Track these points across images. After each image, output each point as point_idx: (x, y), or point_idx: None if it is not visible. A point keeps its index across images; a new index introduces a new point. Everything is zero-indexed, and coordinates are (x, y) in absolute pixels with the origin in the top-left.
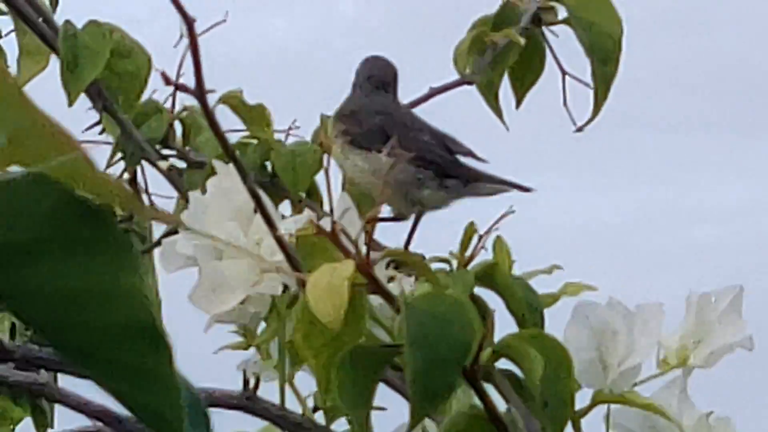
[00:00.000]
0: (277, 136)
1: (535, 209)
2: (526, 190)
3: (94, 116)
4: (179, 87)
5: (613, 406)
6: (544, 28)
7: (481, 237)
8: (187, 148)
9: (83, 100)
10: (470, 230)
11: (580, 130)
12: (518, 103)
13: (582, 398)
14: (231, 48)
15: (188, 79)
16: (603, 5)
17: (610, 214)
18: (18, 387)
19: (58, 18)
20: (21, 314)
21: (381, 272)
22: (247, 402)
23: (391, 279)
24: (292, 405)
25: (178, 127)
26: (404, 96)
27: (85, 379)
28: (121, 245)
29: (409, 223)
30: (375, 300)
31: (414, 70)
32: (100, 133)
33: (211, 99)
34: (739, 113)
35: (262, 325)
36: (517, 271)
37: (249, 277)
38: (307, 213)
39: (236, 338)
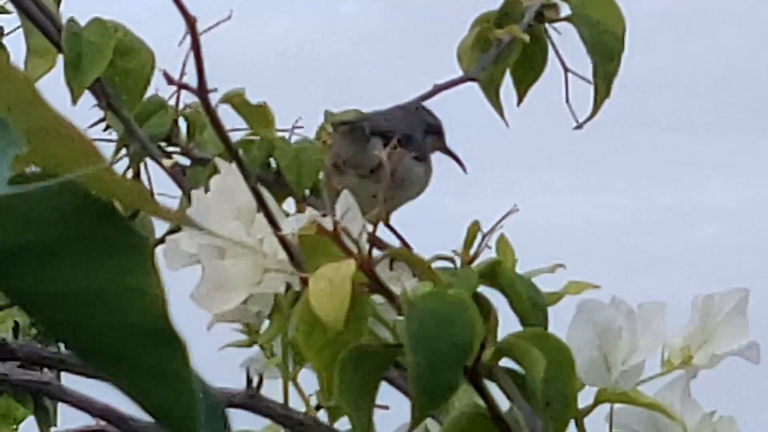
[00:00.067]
0: (278, 134)
1: (537, 208)
2: None
3: (98, 113)
4: (182, 86)
5: (616, 405)
6: (546, 25)
7: (484, 235)
8: (190, 145)
9: (88, 98)
10: (474, 229)
11: (580, 127)
12: (520, 100)
13: (585, 397)
14: (233, 47)
15: (191, 79)
16: (606, 3)
17: (611, 214)
18: (21, 386)
19: (61, 17)
20: (37, 315)
21: (383, 272)
22: (250, 400)
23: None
24: (296, 403)
25: (182, 125)
26: (407, 94)
27: (88, 378)
28: (137, 245)
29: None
30: (377, 299)
31: (414, 70)
32: (104, 130)
33: (214, 98)
34: (739, 113)
35: (266, 323)
36: (519, 269)
37: (251, 276)
38: (310, 212)
39: (239, 337)
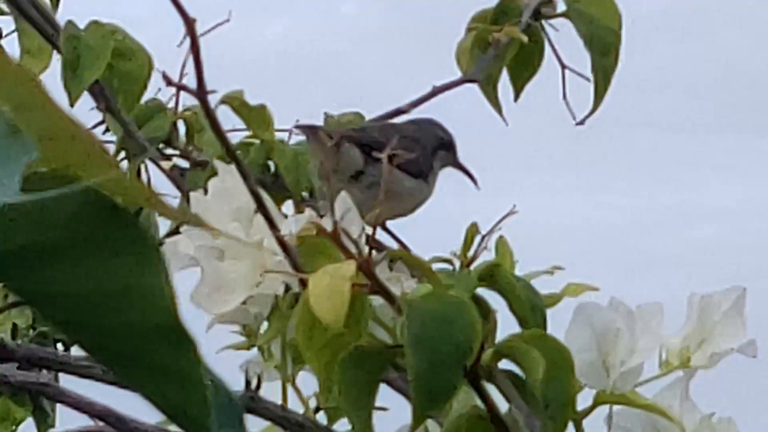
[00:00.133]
0: (278, 136)
1: (536, 208)
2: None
3: (97, 116)
4: (181, 87)
5: (615, 406)
6: (543, 21)
7: (483, 237)
8: (190, 147)
9: (87, 100)
10: (472, 231)
11: (581, 123)
12: (516, 96)
13: (584, 399)
14: (233, 48)
15: (190, 80)
16: None
17: (611, 214)
18: (20, 387)
19: (59, 18)
20: (47, 315)
21: (382, 272)
22: (249, 402)
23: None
24: (295, 405)
25: (181, 127)
26: (407, 94)
27: (87, 379)
28: (146, 244)
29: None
30: (376, 300)
31: (414, 70)
32: (104, 132)
33: (213, 99)
34: (739, 113)
35: (265, 324)
36: (518, 271)
37: (251, 277)
38: (309, 213)
39: (238, 338)
